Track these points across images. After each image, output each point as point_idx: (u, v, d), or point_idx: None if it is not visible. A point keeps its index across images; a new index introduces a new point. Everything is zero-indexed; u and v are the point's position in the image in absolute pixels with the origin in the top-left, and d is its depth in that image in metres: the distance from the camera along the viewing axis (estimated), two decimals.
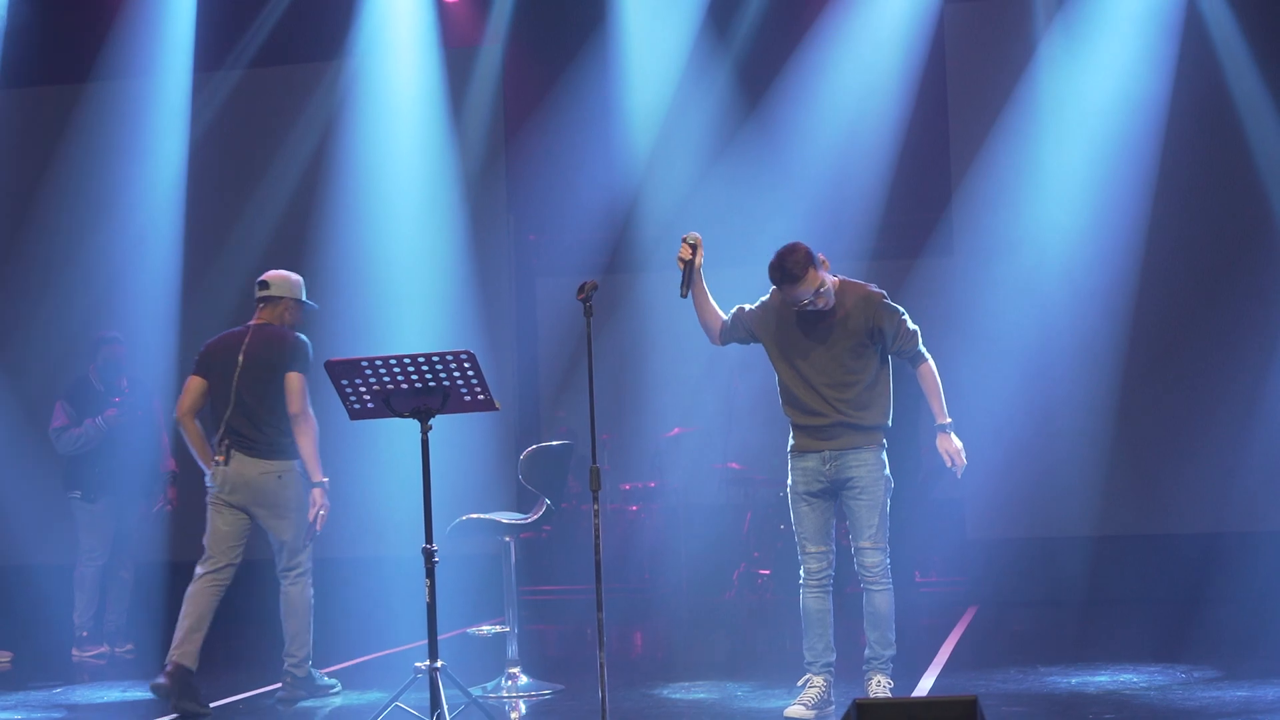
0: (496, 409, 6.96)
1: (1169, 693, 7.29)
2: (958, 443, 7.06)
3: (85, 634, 10.06)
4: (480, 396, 6.73)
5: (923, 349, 7.06)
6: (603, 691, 6.08)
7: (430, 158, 12.04)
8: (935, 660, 8.56)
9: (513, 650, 8.11)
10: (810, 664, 7.00)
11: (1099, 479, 11.03)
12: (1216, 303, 10.99)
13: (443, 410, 6.74)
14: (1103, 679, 7.74)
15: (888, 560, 7.01)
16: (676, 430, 12.79)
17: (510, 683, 8.03)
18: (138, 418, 10.09)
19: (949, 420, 7.08)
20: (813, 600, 7.02)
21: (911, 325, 7.03)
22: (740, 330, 7.29)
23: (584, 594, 11.92)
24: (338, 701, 7.97)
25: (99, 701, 8.40)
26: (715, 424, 12.68)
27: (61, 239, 12.49)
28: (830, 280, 6.96)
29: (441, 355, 6.61)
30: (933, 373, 7.07)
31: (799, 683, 7.06)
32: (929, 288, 13.18)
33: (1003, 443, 11.07)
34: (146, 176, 12.28)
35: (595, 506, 6.18)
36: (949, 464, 7.07)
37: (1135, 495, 11.03)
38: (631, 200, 13.20)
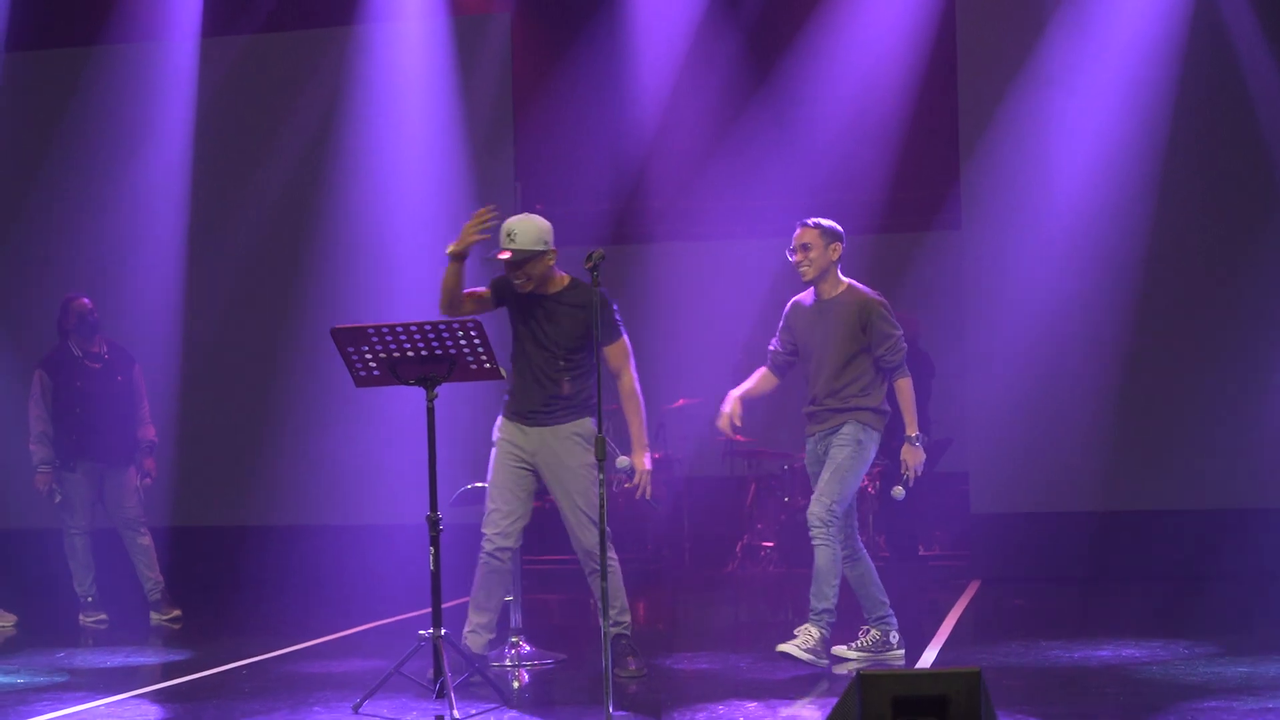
0: (503, 377, 6.98)
1: (1171, 668, 7.30)
2: None
3: (90, 599, 10.06)
4: (487, 365, 6.73)
5: None
6: (605, 661, 6.09)
7: (438, 126, 12.00)
8: (938, 634, 8.57)
9: (516, 619, 8.12)
10: None
11: (1105, 454, 11.02)
12: (1226, 278, 10.96)
13: (449, 379, 6.75)
14: (1105, 654, 7.75)
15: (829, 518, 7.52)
16: (681, 401, 12.79)
17: (513, 651, 8.04)
18: (117, 384, 10.00)
19: None
20: None
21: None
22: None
23: None
24: (342, 669, 7.99)
25: (101, 666, 8.42)
26: (720, 396, 12.65)
27: (66, 204, 12.46)
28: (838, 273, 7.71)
29: (449, 323, 6.60)
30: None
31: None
32: (937, 262, 13.16)
33: (1009, 418, 11.06)
34: (153, 142, 12.25)
35: (600, 476, 6.21)
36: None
37: (1141, 471, 11.02)
38: (639, 171, 13.18)
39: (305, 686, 7.43)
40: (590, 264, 6.31)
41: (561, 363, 7.31)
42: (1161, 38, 10.92)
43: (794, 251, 7.68)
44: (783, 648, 7.43)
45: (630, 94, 12.69)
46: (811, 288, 7.76)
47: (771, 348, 7.96)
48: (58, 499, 9.94)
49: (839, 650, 7.76)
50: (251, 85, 12.37)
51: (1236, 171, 10.96)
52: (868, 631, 7.77)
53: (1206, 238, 11.01)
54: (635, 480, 7.42)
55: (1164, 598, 10.03)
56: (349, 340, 6.66)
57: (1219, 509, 10.84)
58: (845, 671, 7.46)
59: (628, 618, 7.44)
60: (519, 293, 7.29)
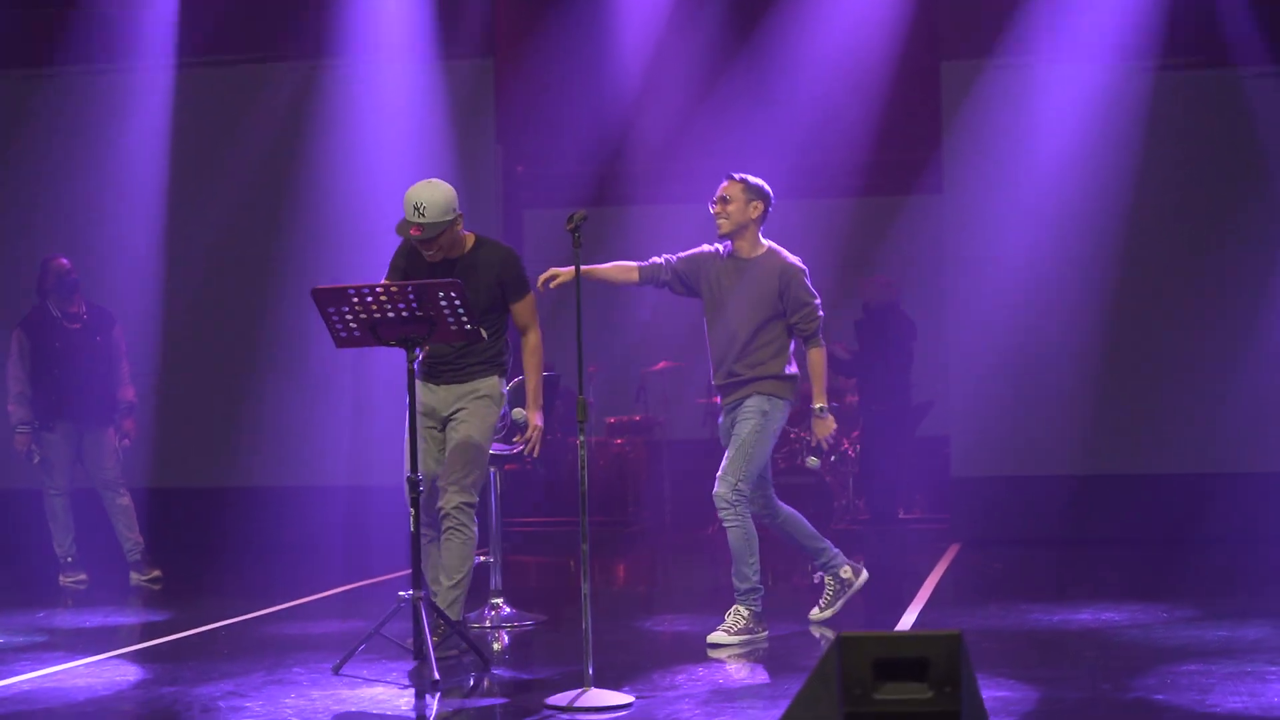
0: (483, 339, 6.95)
1: (1150, 631, 7.32)
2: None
3: (70, 560, 10.03)
4: (467, 326, 6.71)
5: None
6: (586, 622, 6.09)
7: (419, 87, 11.94)
8: (918, 596, 8.59)
9: (496, 581, 8.13)
10: None
11: (1085, 418, 11.05)
12: (1207, 243, 10.98)
13: (429, 340, 6.73)
14: (1085, 617, 7.77)
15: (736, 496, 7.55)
16: (662, 364, 12.79)
17: (493, 613, 8.05)
18: (96, 344, 9.96)
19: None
20: None
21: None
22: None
23: (567, 526, 11.95)
24: (322, 631, 7.98)
25: (80, 627, 8.41)
26: (701, 358, 12.67)
27: (46, 164, 12.36)
28: (759, 237, 7.62)
29: (429, 285, 6.58)
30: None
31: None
32: (918, 225, 13.16)
33: (989, 381, 11.08)
34: (134, 101, 12.14)
35: (581, 438, 6.16)
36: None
37: (1121, 435, 11.05)
38: (621, 133, 13.14)
39: (285, 647, 7.42)
40: (572, 225, 6.28)
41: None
42: (1145, 1, 10.90)
43: (714, 203, 7.57)
44: (712, 639, 7.26)
45: (612, 56, 12.63)
46: (729, 243, 7.60)
47: (660, 259, 7.76)
48: (37, 459, 9.92)
49: (814, 614, 7.75)
50: (233, 45, 12.28)
51: (1219, 138, 10.96)
52: (824, 580, 7.76)
53: (1188, 202, 11.01)
54: (526, 435, 7.36)
55: (1143, 561, 10.06)
56: (330, 301, 6.64)
57: (1198, 473, 10.88)
58: (818, 633, 7.47)
59: (458, 594, 7.03)
60: (429, 263, 7.17)
